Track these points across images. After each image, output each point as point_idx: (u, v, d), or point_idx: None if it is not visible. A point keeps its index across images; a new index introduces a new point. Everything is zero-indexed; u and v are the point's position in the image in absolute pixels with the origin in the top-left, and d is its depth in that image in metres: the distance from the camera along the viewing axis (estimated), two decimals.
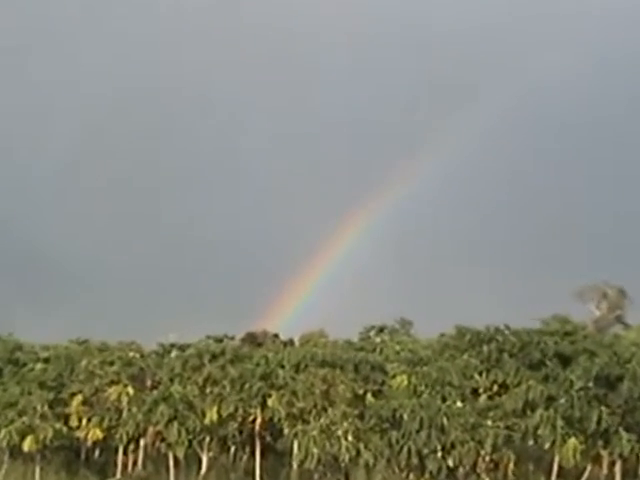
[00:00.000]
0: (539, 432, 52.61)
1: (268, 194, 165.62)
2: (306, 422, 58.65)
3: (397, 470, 51.90)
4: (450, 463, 49.68)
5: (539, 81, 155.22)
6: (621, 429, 51.46)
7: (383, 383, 68.07)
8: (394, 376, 68.10)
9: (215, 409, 61.83)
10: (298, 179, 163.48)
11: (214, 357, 75.29)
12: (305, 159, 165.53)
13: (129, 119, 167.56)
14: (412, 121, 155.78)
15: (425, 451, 50.46)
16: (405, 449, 50.65)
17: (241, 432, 64.26)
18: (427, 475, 50.28)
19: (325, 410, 59.05)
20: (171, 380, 68.58)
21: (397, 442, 51.19)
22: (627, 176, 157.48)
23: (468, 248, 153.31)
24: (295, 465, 59.47)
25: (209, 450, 63.33)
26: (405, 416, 52.98)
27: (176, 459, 61.44)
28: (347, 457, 53.78)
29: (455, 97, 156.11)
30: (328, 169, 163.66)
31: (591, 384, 54.33)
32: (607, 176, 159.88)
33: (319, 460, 53.81)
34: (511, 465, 50.71)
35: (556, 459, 55.12)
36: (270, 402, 61.38)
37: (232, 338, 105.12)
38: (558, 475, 57.02)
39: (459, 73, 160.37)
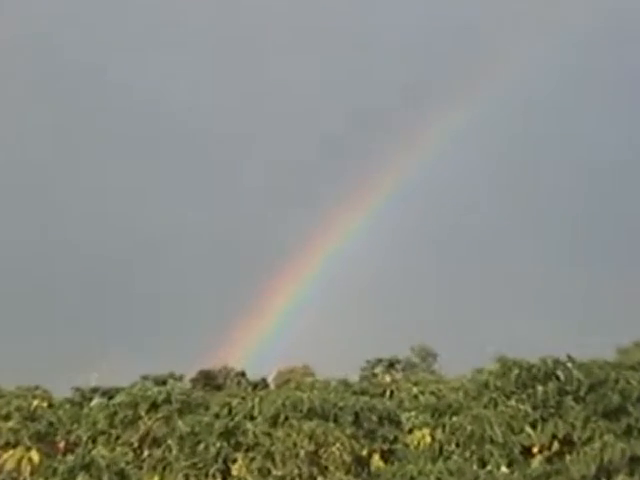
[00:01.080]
0: None
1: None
2: None
3: None
4: None
5: None
6: None
7: (396, 440, 63.83)
8: (411, 430, 63.98)
9: (157, 479, 59.46)
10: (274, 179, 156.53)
11: (154, 406, 67.10)
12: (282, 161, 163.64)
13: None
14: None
15: None
16: None
17: None
18: None
19: None
20: (93, 440, 64.77)
21: None
22: None
23: (505, 251, 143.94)
24: None
25: None
26: None
27: None
28: None
29: None
30: (308, 167, 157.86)
31: None
32: None
33: None
34: None
35: None
36: (235, 469, 58.85)
37: (180, 378, 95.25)
38: None
39: None
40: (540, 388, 63.47)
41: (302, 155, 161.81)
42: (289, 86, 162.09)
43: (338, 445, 58.53)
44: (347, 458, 58.51)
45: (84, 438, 64.97)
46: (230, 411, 65.18)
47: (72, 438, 66.21)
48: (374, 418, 64.67)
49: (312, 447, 58.45)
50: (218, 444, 59.00)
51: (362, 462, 60.62)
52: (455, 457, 58.97)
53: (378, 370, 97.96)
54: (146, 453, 62.19)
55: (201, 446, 59.12)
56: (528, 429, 62.08)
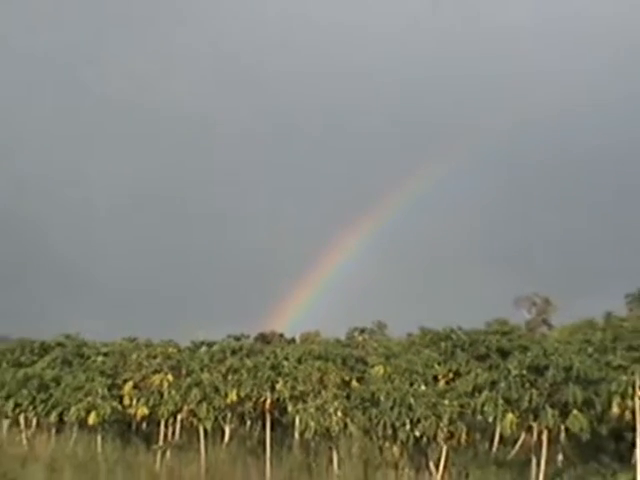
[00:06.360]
0: (485, 409, 54.21)
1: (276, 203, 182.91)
2: (305, 402, 60.81)
3: (375, 439, 54.89)
4: (417, 433, 52.13)
5: None
6: (547, 406, 53.24)
7: (364, 372, 72.64)
8: (373, 366, 73.95)
9: (235, 392, 64.40)
10: (301, 192, 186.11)
11: (234, 352, 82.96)
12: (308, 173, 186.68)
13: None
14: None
15: (397, 424, 52.60)
16: (381, 423, 53.20)
17: (255, 409, 67.94)
18: (398, 443, 53.23)
19: (320, 393, 61.65)
20: (201, 369, 71.62)
21: (375, 417, 53.58)
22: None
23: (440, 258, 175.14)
24: (296, 435, 63.64)
25: (230, 423, 66.78)
26: (381, 397, 54.94)
27: (205, 430, 62.83)
28: (337, 429, 56.32)
29: None
30: (330, 184, 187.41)
31: (524, 372, 55.26)
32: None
33: (315, 432, 56.35)
34: (463, 435, 52.71)
35: (497, 430, 61.17)
36: (277, 386, 64.15)
37: (247, 337, 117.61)
38: (499, 442, 64.13)
39: None
40: (443, 344, 75.30)
41: None
42: None
43: (333, 374, 66.28)
44: (338, 381, 65.93)
45: (196, 368, 72.09)
46: (275, 355, 72.44)
47: (190, 369, 72.51)
48: (353, 360, 74.96)
49: (319, 375, 65.62)
50: (268, 373, 65.01)
51: (346, 384, 66.79)
52: (396, 381, 63.99)
53: (355, 334, 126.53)
54: (230, 377, 66.44)
55: (259, 374, 64.93)
56: (436, 366, 71.46)
